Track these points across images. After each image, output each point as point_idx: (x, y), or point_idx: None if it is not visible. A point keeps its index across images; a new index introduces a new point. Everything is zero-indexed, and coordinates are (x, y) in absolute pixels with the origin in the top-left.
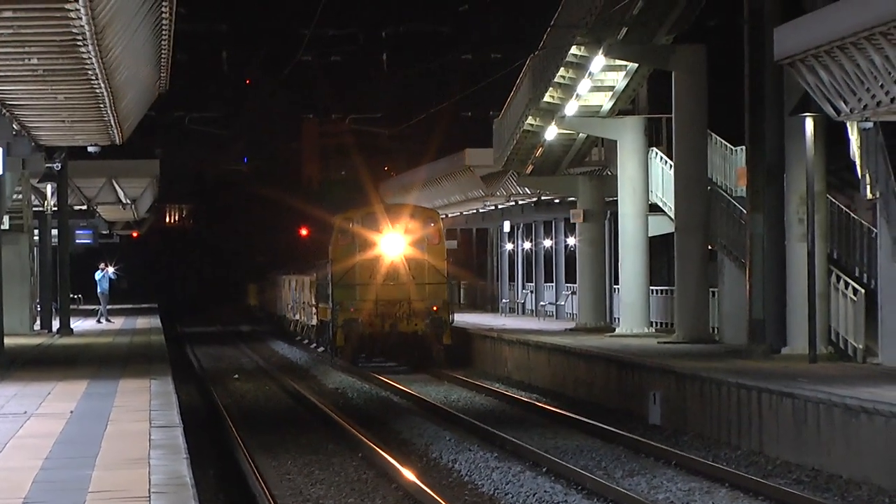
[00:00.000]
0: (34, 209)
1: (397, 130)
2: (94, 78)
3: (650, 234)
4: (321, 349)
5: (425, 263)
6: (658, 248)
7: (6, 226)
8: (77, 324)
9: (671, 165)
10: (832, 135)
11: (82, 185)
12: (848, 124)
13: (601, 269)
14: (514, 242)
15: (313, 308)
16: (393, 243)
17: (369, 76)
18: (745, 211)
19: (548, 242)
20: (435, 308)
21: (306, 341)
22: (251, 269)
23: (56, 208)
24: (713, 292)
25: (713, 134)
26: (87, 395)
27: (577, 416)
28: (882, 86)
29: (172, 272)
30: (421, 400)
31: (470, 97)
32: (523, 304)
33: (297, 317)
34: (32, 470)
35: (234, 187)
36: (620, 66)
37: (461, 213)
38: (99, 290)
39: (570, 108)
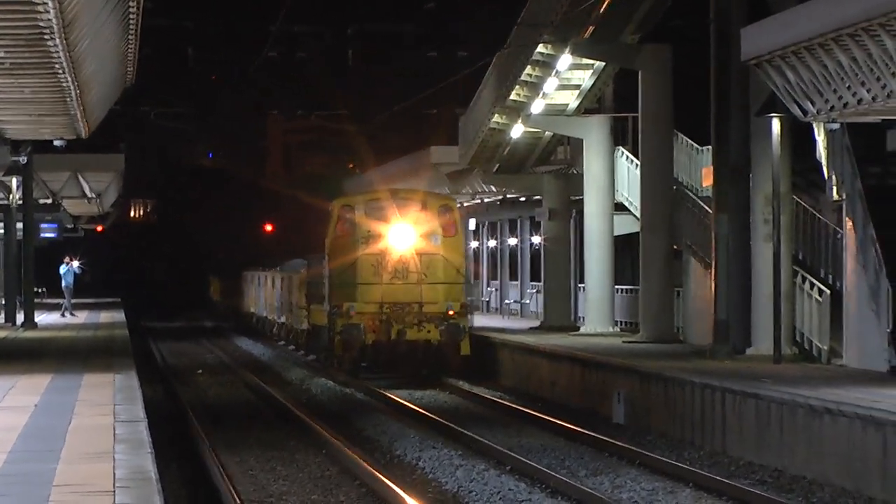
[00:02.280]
0: (0, 203)
1: (362, 127)
2: (60, 72)
3: (615, 234)
4: (310, 357)
5: (439, 259)
6: (623, 248)
7: None
8: (41, 317)
9: (637, 164)
10: (798, 136)
11: (47, 179)
12: (815, 125)
13: (566, 267)
14: (479, 240)
15: (303, 310)
16: (402, 235)
17: (335, 74)
18: (710, 211)
19: (513, 241)
20: (451, 312)
21: (292, 347)
22: (217, 264)
23: (21, 202)
24: (678, 292)
25: (679, 133)
26: (51, 388)
27: (541, 415)
28: (849, 87)
29: (137, 267)
30: (384, 396)
31: (436, 95)
32: (488, 301)
33: (283, 319)
34: None
35: (198, 182)
36: (587, 64)
37: None
38: (63, 284)
39: (536, 107)
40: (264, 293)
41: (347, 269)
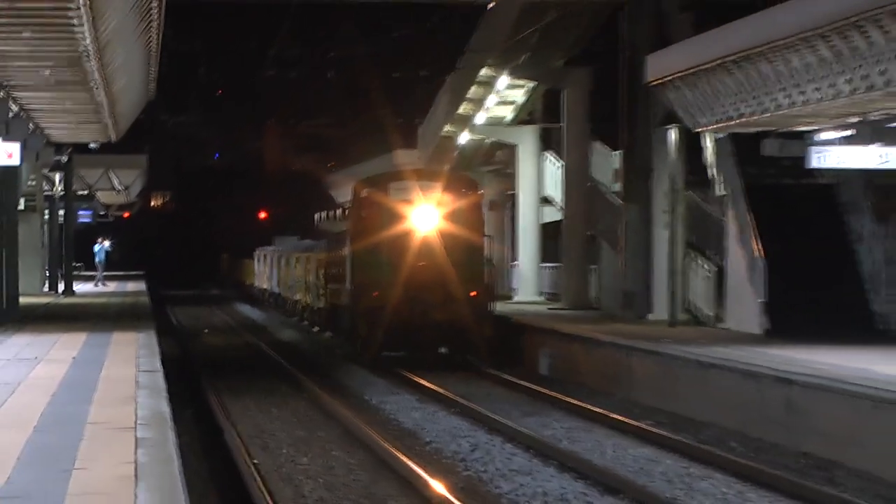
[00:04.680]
0: (45, 193)
1: (341, 133)
2: (95, 88)
3: (542, 222)
4: (328, 334)
5: (462, 240)
6: (548, 233)
7: (22, 207)
8: (78, 287)
9: (560, 166)
10: (691, 142)
11: (84, 174)
12: (704, 135)
13: (502, 248)
14: None
15: (322, 290)
16: (426, 216)
17: (319, 88)
18: (619, 203)
19: None
20: (474, 293)
21: (306, 322)
22: (226, 244)
23: (63, 193)
24: (592, 269)
25: (595, 140)
26: (86, 344)
27: (484, 368)
28: (733, 104)
29: (157, 245)
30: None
31: (401, 107)
32: None
33: (298, 297)
34: (41, 405)
35: (206, 177)
36: (521, 84)
37: None
38: (97, 260)
39: (480, 118)
40: (278, 271)
41: (371, 249)
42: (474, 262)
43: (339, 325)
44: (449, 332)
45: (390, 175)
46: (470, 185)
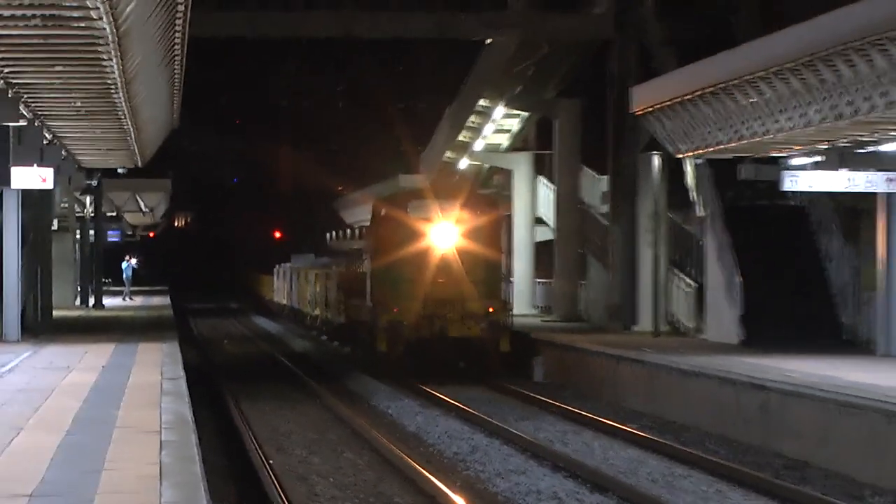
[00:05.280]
0: (76, 215)
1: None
2: (123, 117)
3: (536, 240)
4: (346, 349)
5: (481, 257)
6: (541, 250)
7: (56, 227)
8: (107, 301)
9: (552, 189)
10: (672, 167)
11: (113, 197)
12: (685, 160)
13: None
14: None
15: (341, 305)
16: (445, 233)
17: (329, 117)
18: (607, 223)
19: None
20: (491, 309)
21: (325, 337)
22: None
23: (93, 214)
24: (582, 283)
25: (584, 166)
26: (115, 353)
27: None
28: (711, 132)
29: (179, 262)
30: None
31: (405, 134)
32: None
33: (316, 312)
34: (74, 409)
35: (225, 199)
36: (516, 114)
37: None
38: (124, 276)
39: (478, 145)
40: (298, 287)
41: (391, 266)
42: (492, 278)
43: (358, 340)
44: (467, 348)
45: (409, 193)
46: (489, 203)
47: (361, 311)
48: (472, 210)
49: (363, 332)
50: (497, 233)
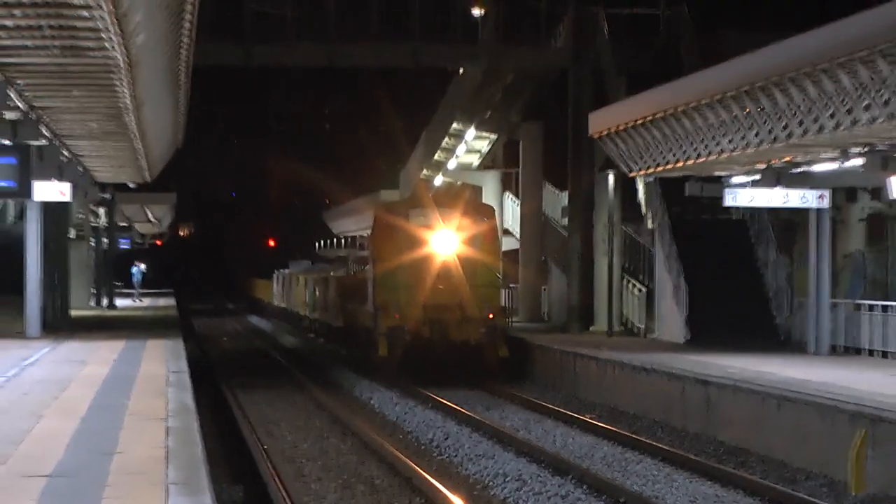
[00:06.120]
0: (91, 224)
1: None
2: (133, 137)
3: (504, 249)
4: (343, 351)
5: (479, 263)
6: (508, 259)
7: (73, 235)
8: (119, 302)
9: (518, 203)
10: (626, 184)
11: (124, 209)
12: (636, 178)
13: None
14: None
15: (339, 309)
16: (444, 241)
17: (316, 139)
18: (567, 234)
19: None
20: (490, 315)
21: (322, 340)
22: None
23: (106, 224)
24: (544, 288)
25: (546, 182)
26: (125, 349)
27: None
28: (660, 153)
29: (183, 267)
30: (349, 358)
31: (385, 153)
32: None
33: (315, 315)
34: (88, 398)
35: (224, 212)
36: (485, 136)
37: None
38: (134, 280)
39: (452, 164)
40: (295, 291)
41: (393, 272)
42: (490, 284)
43: (356, 343)
44: (466, 352)
45: (410, 202)
46: (487, 211)
47: (362, 315)
48: (472, 218)
49: (363, 336)
50: (495, 240)
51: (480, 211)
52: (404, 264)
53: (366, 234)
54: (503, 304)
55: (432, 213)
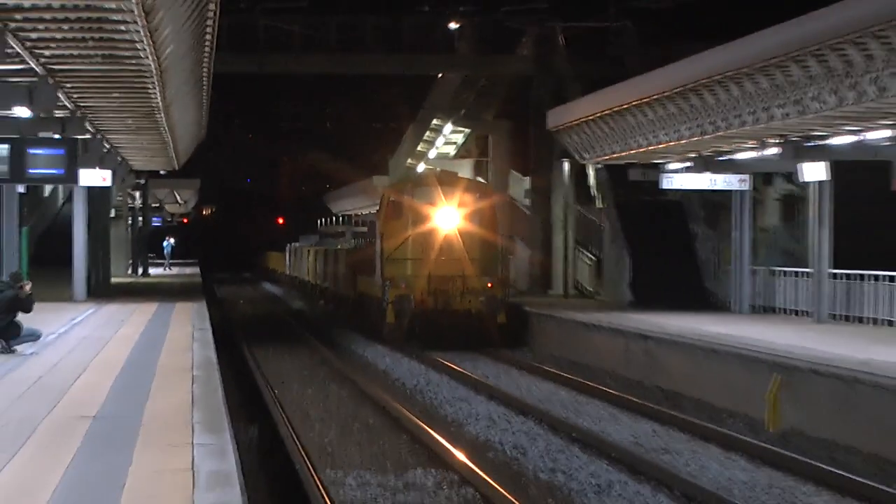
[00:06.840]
0: (128, 206)
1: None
2: (164, 132)
3: None
4: (331, 307)
5: (479, 237)
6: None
7: (113, 215)
8: (152, 271)
9: None
10: (579, 171)
11: (156, 192)
12: (588, 166)
13: None
14: None
15: (350, 280)
16: (447, 216)
17: (320, 134)
18: (529, 213)
19: None
20: (489, 285)
21: (331, 306)
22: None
23: (141, 205)
24: (511, 258)
25: (512, 170)
26: (157, 311)
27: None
28: (608, 144)
29: (205, 242)
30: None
31: (376, 146)
32: None
33: (326, 284)
34: (125, 354)
35: (242, 196)
36: (461, 130)
37: (369, 212)
38: (165, 252)
39: (432, 154)
40: (306, 262)
41: (399, 247)
42: (490, 256)
43: (365, 312)
44: (467, 320)
45: (415, 181)
46: (485, 189)
47: (371, 286)
48: (472, 195)
49: (371, 305)
50: (494, 216)
51: (480, 189)
52: (410, 238)
53: (360, 213)
54: (502, 274)
55: (435, 191)
